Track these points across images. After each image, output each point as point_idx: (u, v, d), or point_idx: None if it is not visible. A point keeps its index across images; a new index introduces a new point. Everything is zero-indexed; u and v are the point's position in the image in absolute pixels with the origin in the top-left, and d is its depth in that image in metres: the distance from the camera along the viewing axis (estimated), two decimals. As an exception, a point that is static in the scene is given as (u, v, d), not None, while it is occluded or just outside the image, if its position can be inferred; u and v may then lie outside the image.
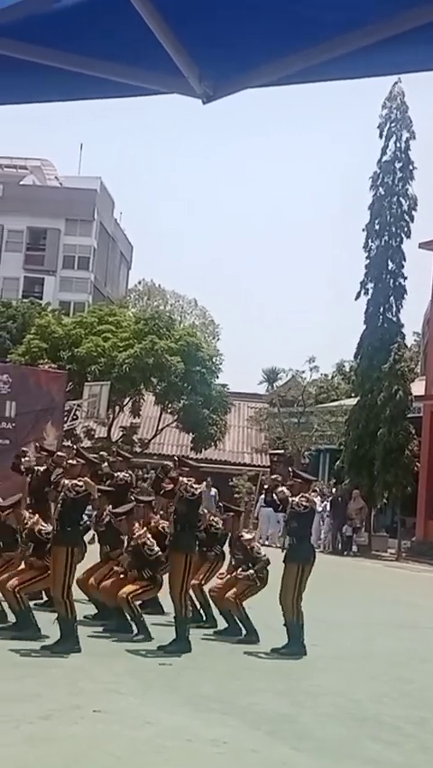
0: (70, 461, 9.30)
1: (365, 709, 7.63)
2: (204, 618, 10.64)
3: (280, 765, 5.82)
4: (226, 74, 2.57)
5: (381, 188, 29.89)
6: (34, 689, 7.12)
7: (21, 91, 2.60)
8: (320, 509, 27.17)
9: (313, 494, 10.81)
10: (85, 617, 10.24)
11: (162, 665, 8.47)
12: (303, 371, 37.90)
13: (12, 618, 9.44)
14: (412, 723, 7.30)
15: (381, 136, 29.78)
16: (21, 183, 62.67)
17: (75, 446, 9.91)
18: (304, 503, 9.66)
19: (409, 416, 27.53)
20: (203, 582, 10.79)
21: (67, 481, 8.84)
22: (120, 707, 6.84)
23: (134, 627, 9.60)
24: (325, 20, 2.25)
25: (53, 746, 5.75)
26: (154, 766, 5.59)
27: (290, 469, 11.13)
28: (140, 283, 61.39)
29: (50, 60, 2.40)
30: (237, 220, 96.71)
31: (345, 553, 26.71)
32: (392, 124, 29.60)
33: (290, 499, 9.69)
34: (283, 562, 9.73)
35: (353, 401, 31.36)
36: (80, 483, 8.78)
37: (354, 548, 27.37)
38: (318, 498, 27.64)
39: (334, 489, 28.93)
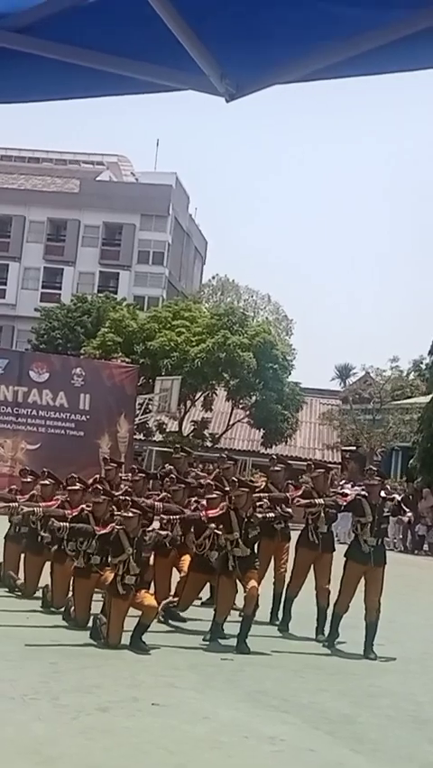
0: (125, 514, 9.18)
1: (427, 713, 7.51)
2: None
3: (336, 766, 5.76)
4: (249, 72, 2.53)
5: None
6: (94, 680, 7.18)
7: (44, 87, 2.61)
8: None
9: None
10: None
11: (224, 660, 8.46)
12: (384, 370, 37.53)
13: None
14: (476, 728, 7.16)
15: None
16: (97, 179, 63.35)
17: (128, 498, 9.66)
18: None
19: None
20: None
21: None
22: (178, 701, 6.85)
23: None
24: (348, 16, 2.20)
25: (110, 739, 5.79)
26: (210, 762, 5.57)
27: (372, 467, 10.96)
28: (214, 278, 61.49)
29: (69, 57, 2.40)
30: (312, 215, 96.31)
31: (417, 552, 26.38)
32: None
33: (395, 498, 9.76)
34: (373, 564, 9.58)
35: (427, 399, 30.96)
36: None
37: (426, 547, 27.01)
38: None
39: (405, 488, 28.57)
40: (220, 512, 9.42)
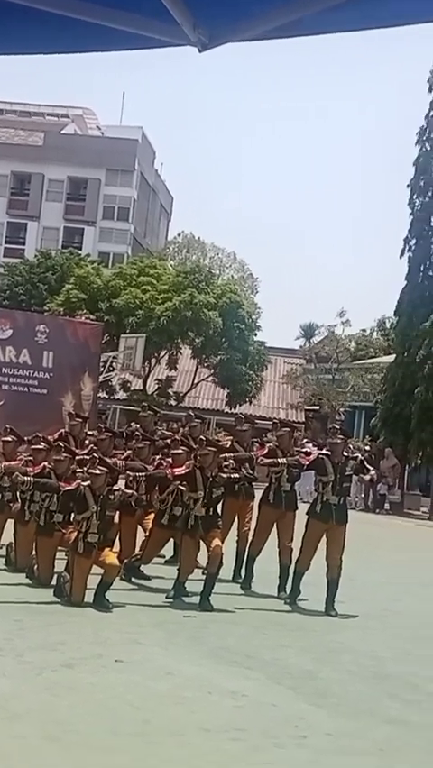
0: (93, 471, 9.16)
1: (387, 668, 7.66)
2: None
3: (297, 720, 5.86)
4: (222, 22, 2.51)
5: (427, 144, 29.36)
6: (59, 637, 7.23)
7: (11, 40, 2.55)
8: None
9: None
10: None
11: (187, 617, 8.55)
12: (335, 325, 37.64)
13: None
14: (433, 682, 7.33)
15: (430, 90, 29.16)
16: (62, 132, 62.39)
17: (95, 455, 9.61)
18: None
19: (446, 374, 27.29)
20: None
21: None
22: (142, 657, 6.92)
23: None
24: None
25: (74, 695, 5.84)
26: (173, 717, 5.65)
27: (335, 426, 10.99)
28: (179, 235, 61.13)
29: (37, 3, 2.34)
30: (279, 174, 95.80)
31: (378, 510, 26.73)
32: (442, 78, 28.97)
33: (358, 457, 9.87)
34: (335, 522, 9.70)
35: (389, 359, 31.19)
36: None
37: (387, 506, 27.38)
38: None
39: (368, 447, 28.86)
40: (186, 470, 9.46)
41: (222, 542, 9.58)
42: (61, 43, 2.57)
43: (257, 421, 12.42)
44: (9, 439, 10.65)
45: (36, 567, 9.51)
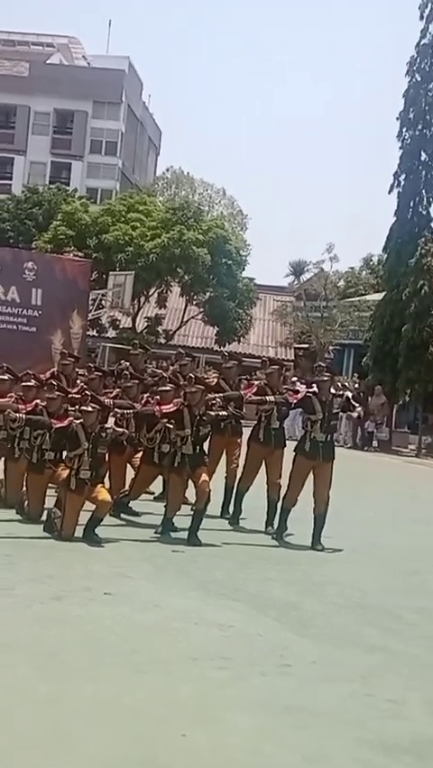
0: (84, 408, 9.17)
1: (371, 599, 7.82)
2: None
3: (282, 649, 6.01)
4: None
5: (417, 75, 28.93)
6: (48, 571, 7.34)
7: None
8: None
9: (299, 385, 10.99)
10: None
11: (175, 552, 8.69)
12: (323, 261, 37.44)
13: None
14: (416, 613, 7.49)
15: (421, 18, 28.59)
16: (47, 62, 61.16)
17: (86, 393, 9.68)
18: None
19: (434, 312, 27.31)
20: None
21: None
22: (130, 590, 7.05)
23: None
24: None
25: (63, 626, 5.96)
26: (160, 647, 5.78)
27: (322, 363, 11.03)
28: (168, 170, 60.44)
29: None
30: (268, 107, 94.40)
31: (366, 448, 26.98)
32: (434, 5, 28.44)
33: (345, 395, 9.88)
34: (322, 460, 9.81)
35: (378, 296, 31.15)
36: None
37: (375, 443, 27.62)
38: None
39: (357, 385, 29.00)
40: (174, 408, 9.51)
41: (210, 478, 9.70)
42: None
43: (246, 359, 12.46)
44: (6, 378, 10.64)
45: (26, 503, 9.61)
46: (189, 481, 9.51)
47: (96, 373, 11.23)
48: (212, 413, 9.49)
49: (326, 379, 9.88)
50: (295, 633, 6.46)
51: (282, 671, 5.62)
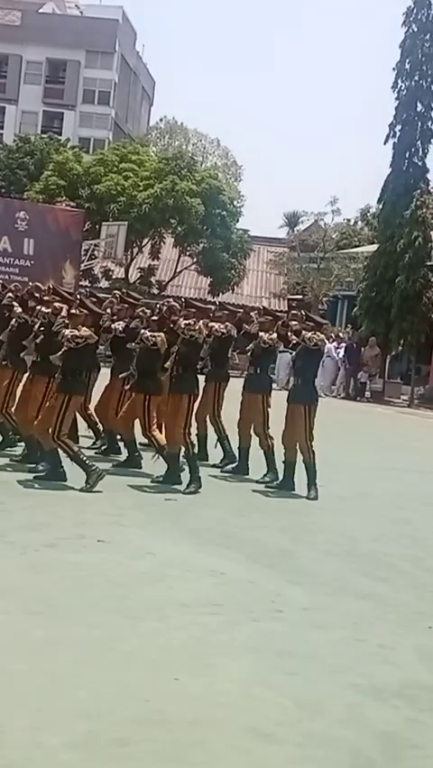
0: (73, 312, 9.15)
1: (362, 547, 7.88)
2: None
3: (274, 596, 6.05)
4: None
5: (414, 25, 28.47)
6: (41, 519, 7.37)
7: None
8: (336, 356, 27.33)
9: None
10: (95, 452, 10.54)
11: (168, 501, 8.72)
12: (325, 213, 37.19)
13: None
14: (406, 561, 7.55)
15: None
16: (40, 11, 60.05)
17: (78, 297, 9.71)
18: (316, 339, 9.67)
19: (428, 263, 27.17)
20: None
21: (68, 332, 8.81)
22: (123, 537, 7.08)
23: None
24: None
25: (56, 573, 5.99)
26: (152, 594, 5.81)
27: (302, 312, 11.07)
28: (162, 120, 59.66)
29: None
30: (263, 57, 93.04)
31: (358, 398, 27.01)
32: None
33: (302, 334, 9.72)
34: (288, 402, 9.85)
35: (374, 247, 30.94)
36: (81, 334, 8.80)
37: (368, 394, 27.66)
38: (335, 344, 27.80)
39: (350, 336, 28.95)
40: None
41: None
42: None
43: (240, 310, 12.40)
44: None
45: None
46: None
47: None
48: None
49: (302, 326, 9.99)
50: (287, 580, 6.50)
51: (274, 616, 5.66)
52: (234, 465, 10.72)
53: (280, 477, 10.03)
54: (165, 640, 5.01)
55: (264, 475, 10.30)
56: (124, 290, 14.08)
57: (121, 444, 10.52)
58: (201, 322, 9.63)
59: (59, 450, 8.85)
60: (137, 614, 5.37)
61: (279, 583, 6.40)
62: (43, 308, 9.52)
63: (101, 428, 10.98)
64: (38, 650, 4.66)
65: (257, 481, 10.19)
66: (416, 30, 28.37)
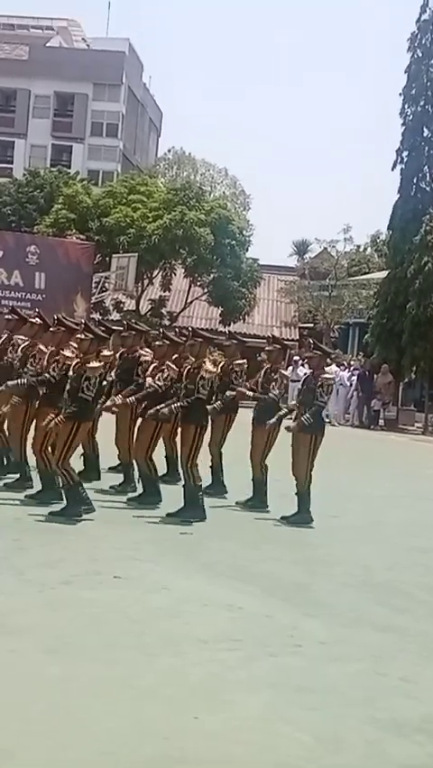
0: (79, 336, 9.24)
1: (378, 577, 7.85)
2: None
3: (291, 630, 6.03)
4: None
5: (418, 50, 28.66)
6: (57, 555, 7.36)
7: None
8: (349, 384, 27.30)
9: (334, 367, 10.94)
10: (111, 486, 10.54)
11: (183, 534, 8.70)
12: (337, 241, 37.30)
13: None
14: (423, 590, 7.51)
15: (421, -7, 28.34)
16: (47, 45, 60.89)
17: (83, 322, 9.84)
18: (323, 378, 9.74)
19: (439, 289, 27.15)
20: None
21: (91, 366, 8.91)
22: (139, 573, 7.07)
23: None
24: None
25: (73, 610, 5.98)
26: (169, 629, 5.80)
27: (310, 340, 11.19)
28: (169, 151, 60.18)
29: None
30: (270, 86, 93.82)
31: (372, 426, 26.91)
32: (434, -21, 28.12)
33: (309, 374, 9.79)
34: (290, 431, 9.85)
35: (384, 274, 30.99)
36: (96, 365, 8.87)
37: (382, 422, 27.56)
38: (347, 372, 27.78)
39: (362, 363, 28.91)
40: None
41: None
42: None
43: (250, 339, 12.54)
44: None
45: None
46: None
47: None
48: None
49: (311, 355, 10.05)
50: (304, 613, 6.48)
51: (293, 651, 5.63)
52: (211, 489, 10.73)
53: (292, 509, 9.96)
54: (183, 677, 4.99)
55: (249, 499, 10.31)
56: (133, 320, 14.22)
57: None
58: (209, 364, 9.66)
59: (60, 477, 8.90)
60: (154, 650, 5.36)
61: (295, 616, 6.38)
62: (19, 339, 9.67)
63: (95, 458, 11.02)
64: (55, 687, 4.65)
65: (287, 519, 10.01)
66: (421, 55, 28.58)
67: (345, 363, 29.12)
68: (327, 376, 10.02)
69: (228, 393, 10.67)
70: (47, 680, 4.74)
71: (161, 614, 6.10)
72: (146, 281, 33.74)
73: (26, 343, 10.08)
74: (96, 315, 29.90)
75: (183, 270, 33.48)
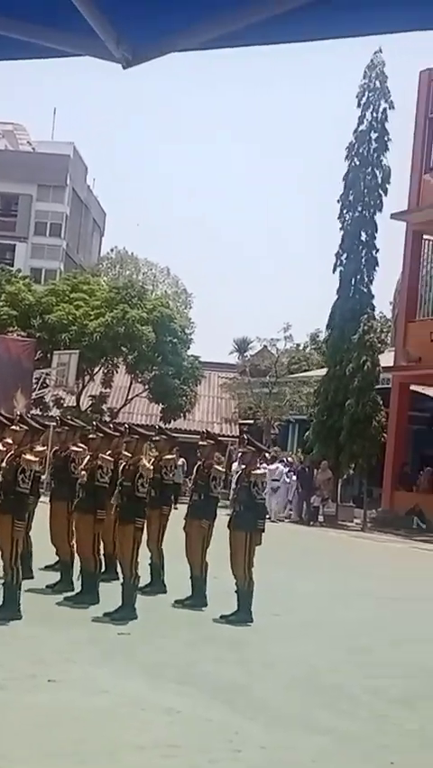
0: (13, 428, 9.20)
1: (322, 679, 7.73)
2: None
3: (232, 735, 5.89)
4: (145, 38, 2.46)
5: (356, 159, 29.77)
6: (-9, 658, 7.15)
7: None
8: (288, 480, 27.37)
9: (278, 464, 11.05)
10: (47, 586, 10.32)
11: (121, 635, 8.52)
12: (278, 339, 37.83)
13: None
14: (368, 692, 7.42)
15: (358, 105, 29.60)
16: (-8, 147, 61.89)
17: (18, 414, 9.79)
18: (254, 475, 9.80)
19: (377, 387, 27.65)
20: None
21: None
22: (77, 675, 6.89)
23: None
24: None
25: (8, 715, 5.79)
26: (108, 735, 5.63)
27: (244, 436, 11.27)
28: (112, 251, 61.00)
29: None
30: (211, 188, 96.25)
31: (312, 523, 26.90)
32: (370, 94, 29.40)
33: (241, 470, 9.85)
34: (228, 528, 9.83)
35: (323, 372, 31.46)
36: (31, 458, 8.86)
37: (321, 518, 27.58)
38: (286, 468, 27.88)
39: (301, 460, 29.06)
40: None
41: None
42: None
43: (190, 436, 12.60)
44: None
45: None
46: None
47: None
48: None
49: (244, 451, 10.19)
50: (245, 716, 6.35)
51: (233, 756, 5.50)
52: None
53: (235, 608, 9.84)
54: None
55: (188, 598, 10.19)
56: (69, 416, 14.23)
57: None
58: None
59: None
60: (91, 758, 5.20)
61: (236, 721, 6.24)
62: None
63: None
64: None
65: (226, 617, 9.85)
66: (358, 163, 29.69)
67: (285, 460, 29.22)
68: (257, 472, 10.06)
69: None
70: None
71: (99, 718, 5.93)
72: (87, 378, 33.72)
73: None
74: (37, 411, 29.74)
75: (125, 367, 33.58)
